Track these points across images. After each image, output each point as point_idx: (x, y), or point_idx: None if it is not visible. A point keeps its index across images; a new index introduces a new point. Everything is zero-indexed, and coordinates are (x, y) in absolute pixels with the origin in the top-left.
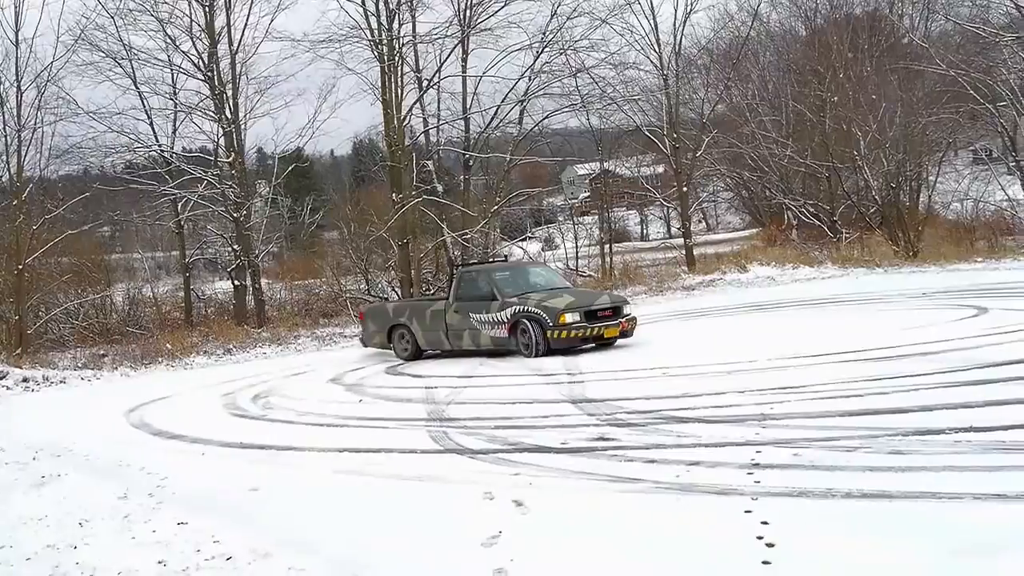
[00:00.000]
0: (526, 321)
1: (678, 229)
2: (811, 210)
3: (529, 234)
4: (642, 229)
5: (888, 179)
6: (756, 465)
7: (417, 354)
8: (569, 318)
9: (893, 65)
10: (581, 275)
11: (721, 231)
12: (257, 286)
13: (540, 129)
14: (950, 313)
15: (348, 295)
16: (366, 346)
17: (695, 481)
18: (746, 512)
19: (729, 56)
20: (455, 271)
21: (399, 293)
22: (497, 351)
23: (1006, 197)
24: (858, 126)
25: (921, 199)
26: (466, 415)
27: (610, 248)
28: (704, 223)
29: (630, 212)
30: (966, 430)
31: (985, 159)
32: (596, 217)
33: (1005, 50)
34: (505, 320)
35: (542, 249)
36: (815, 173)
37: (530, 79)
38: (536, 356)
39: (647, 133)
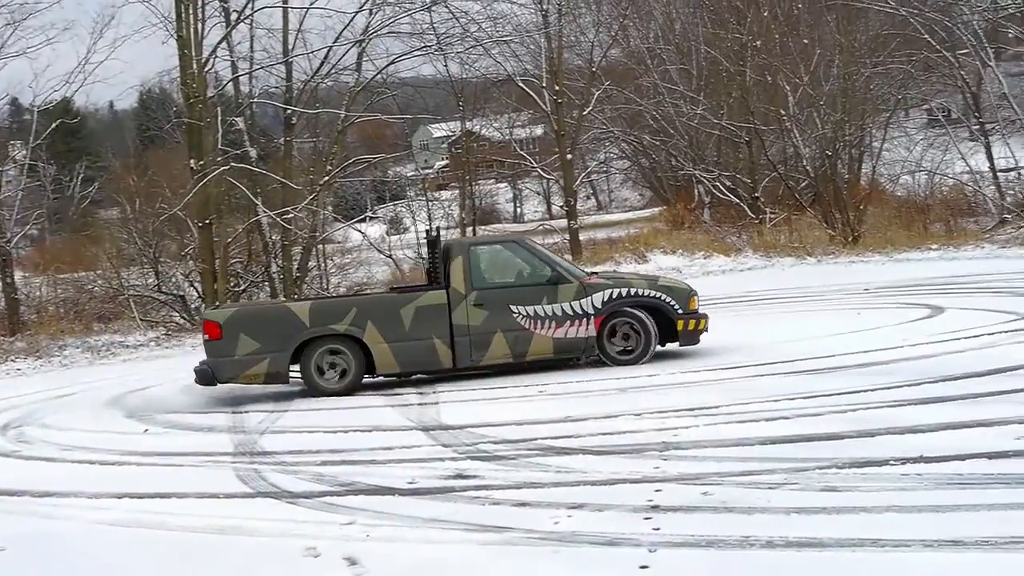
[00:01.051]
0: (638, 312)
1: (561, 207)
2: (728, 184)
3: (370, 213)
4: (515, 207)
5: (823, 145)
6: (655, 507)
7: (357, 383)
8: (696, 302)
9: (830, 2)
10: None
11: (615, 210)
12: (9, 280)
13: (384, 78)
14: (898, 314)
15: (132, 292)
16: (220, 382)
17: (578, 529)
18: (642, 568)
19: None
20: (441, 248)
21: (199, 289)
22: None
23: (967, 169)
24: (786, 78)
25: (864, 171)
26: (285, 448)
27: (474, 231)
28: (594, 200)
29: (500, 186)
30: (915, 460)
31: (942, 121)
32: (457, 192)
33: None
34: (591, 312)
35: (387, 232)
36: (733, 137)
37: (371, 13)
38: (643, 361)
39: (521, 84)
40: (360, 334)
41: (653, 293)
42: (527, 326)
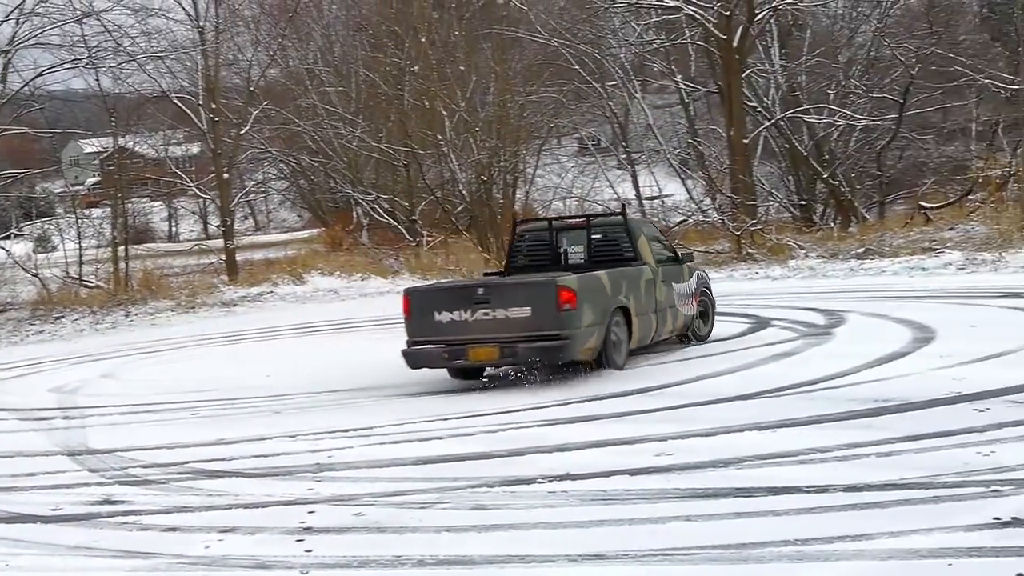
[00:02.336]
0: (710, 292)
1: (217, 227)
2: (385, 207)
3: (16, 231)
4: (171, 227)
5: (479, 170)
6: (308, 529)
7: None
8: None
9: (486, 30)
10: (86, 285)
11: (274, 231)
12: None
13: (32, 90)
14: None
15: None
16: (567, 358)
17: (229, 552)
18: None
19: (285, 7)
20: (626, 224)
21: None
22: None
23: (615, 196)
24: (444, 104)
25: (518, 195)
26: None
27: (126, 251)
28: (252, 220)
29: (155, 204)
30: (561, 478)
31: (592, 149)
32: (109, 210)
33: (615, 19)
34: (693, 291)
35: (34, 250)
36: (391, 160)
37: (18, 22)
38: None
39: (177, 102)
40: (628, 304)
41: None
42: (678, 303)
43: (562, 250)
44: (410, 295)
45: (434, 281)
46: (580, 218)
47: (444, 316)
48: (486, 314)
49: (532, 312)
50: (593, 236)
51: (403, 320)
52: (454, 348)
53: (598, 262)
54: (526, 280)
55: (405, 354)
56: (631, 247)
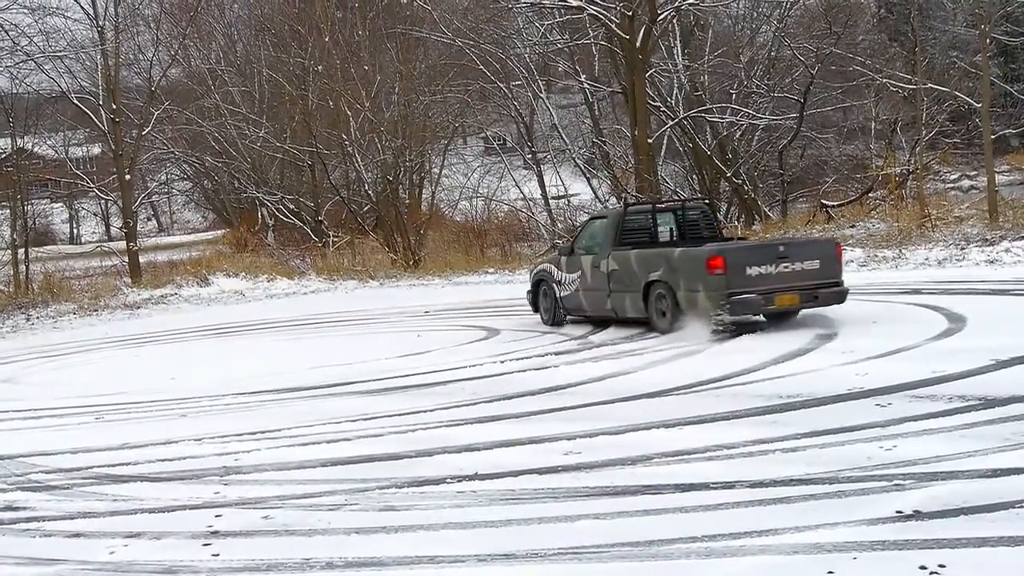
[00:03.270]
0: None
1: (120, 229)
2: (291, 207)
3: None
4: (72, 228)
5: (385, 171)
6: (215, 533)
7: None
8: None
9: (390, 30)
10: None
11: (178, 232)
12: None
13: None
14: (456, 335)
15: None
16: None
17: (134, 558)
18: None
19: (186, 7)
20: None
21: None
22: None
23: (522, 195)
24: (348, 104)
25: (424, 196)
26: None
27: (27, 253)
28: (155, 221)
29: (56, 206)
30: (470, 478)
31: (498, 149)
32: (7, 212)
33: (519, 19)
34: None
35: None
36: (296, 161)
37: None
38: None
39: (76, 102)
40: None
41: None
42: None
43: (665, 228)
44: (725, 254)
45: (737, 242)
46: (675, 202)
47: (754, 270)
48: (786, 267)
49: (820, 264)
50: (688, 215)
51: (716, 276)
52: (766, 296)
53: (689, 237)
54: (814, 239)
55: (732, 303)
56: (713, 225)
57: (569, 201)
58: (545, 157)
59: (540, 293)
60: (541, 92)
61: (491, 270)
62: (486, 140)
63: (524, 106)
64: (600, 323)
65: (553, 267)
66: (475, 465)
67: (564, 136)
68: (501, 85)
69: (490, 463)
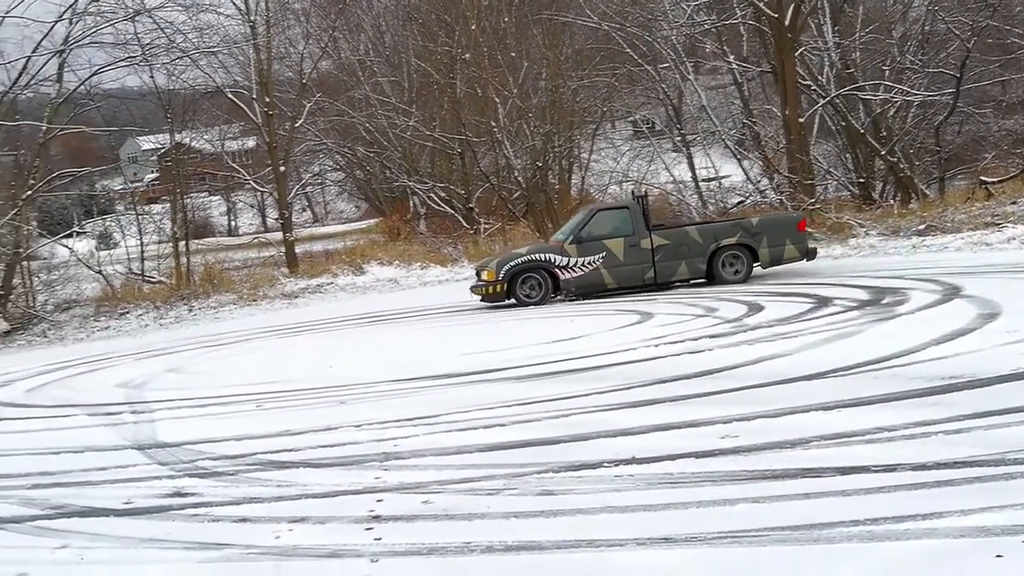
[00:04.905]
0: None
1: (276, 220)
2: (442, 195)
3: (77, 228)
4: (230, 221)
5: (534, 156)
6: (376, 518)
7: None
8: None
9: (536, 16)
10: (149, 281)
11: (332, 222)
12: None
13: (88, 89)
14: (609, 320)
15: None
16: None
17: (300, 542)
18: None
19: (335, 0)
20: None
21: None
22: None
23: (671, 178)
24: (496, 91)
25: (574, 181)
26: None
27: (187, 246)
28: (310, 212)
29: (213, 199)
30: (627, 462)
31: (646, 132)
32: (168, 206)
33: (665, 0)
34: None
35: (96, 247)
36: (446, 149)
37: (72, 22)
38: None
39: (231, 96)
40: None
41: None
42: None
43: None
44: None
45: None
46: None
47: None
48: None
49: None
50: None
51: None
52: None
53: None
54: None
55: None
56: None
57: (720, 183)
58: (694, 139)
59: (519, 282)
60: (689, 74)
61: None
62: (634, 124)
63: (672, 88)
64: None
65: (556, 256)
66: (632, 449)
67: (713, 117)
68: (648, 68)
69: (647, 447)
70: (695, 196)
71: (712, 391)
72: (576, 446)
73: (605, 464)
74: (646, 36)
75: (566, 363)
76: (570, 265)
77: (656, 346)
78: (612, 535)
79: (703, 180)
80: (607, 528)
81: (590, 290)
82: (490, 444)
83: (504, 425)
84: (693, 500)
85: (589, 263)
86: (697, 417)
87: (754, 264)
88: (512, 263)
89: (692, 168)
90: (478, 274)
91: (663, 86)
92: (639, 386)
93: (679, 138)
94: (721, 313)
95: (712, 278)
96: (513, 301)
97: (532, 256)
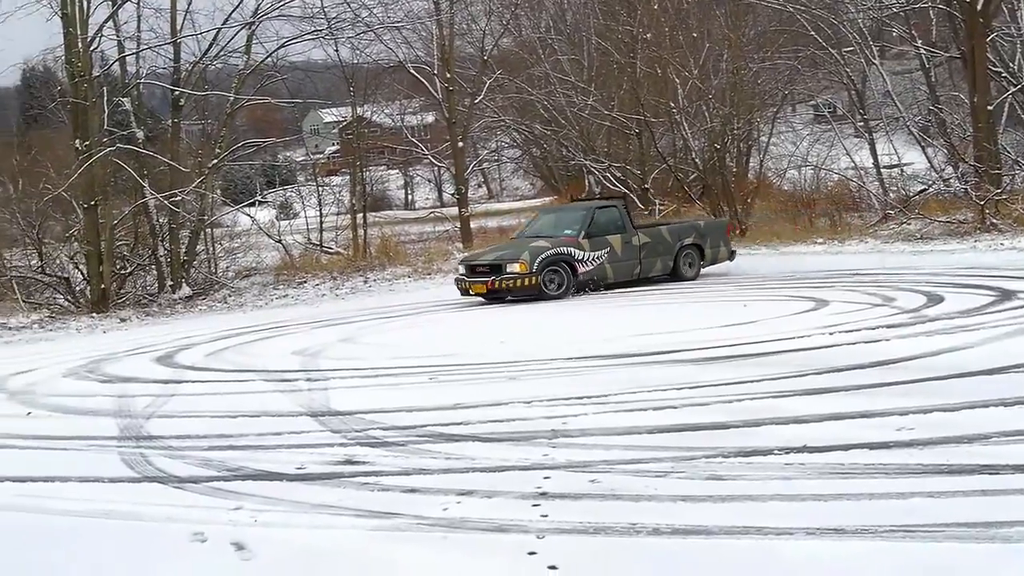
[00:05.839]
0: None
1: (452, 195)
2: (618, 175)
3: (260, 198)
4: (406, 195)
5: (712, 139)
6: (544, 494)
7: None
8: (459, 269)
9: None
10: (327, 251)
11: (507, 199)
12: None
13: (274, 61)
14: (783, 306)
15: (15, 274)
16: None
17: (467, 515)
18: (530, 554)
19: None
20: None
21: (83, 271)
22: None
23: (852, 165)
24: (676, 71)
25: (751, 164)
26: (171, 432)
27: (364, 218)
28: (485, 188)
29: (391, 172)
30: (798, 450)
31: (828, 117)
32: (347, 178)
33: None
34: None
35: (277, 217)
36: (623, 129)
37: None
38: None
39: (413, 71)
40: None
41: None
42: None
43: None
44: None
45: None
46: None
47: None
48: None
49: None
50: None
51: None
52: None
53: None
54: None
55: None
56: None
57: (902, 170)
58: (877, 125)
59: (548, 273)
60: (874, 58)
61: (819, 240)
62: (815, 108)
63: (856, 72)
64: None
65: (574, 249)
66: (803, 437)
67: (898, 103)
68: (832, 51)
69: (819, 436)
70: (875, 183)
71: (888, 382)
72: (747, 432)
73: (776, 451)
74: (831, 18)
75: (739, 348)
76: (586, 259)
77: (831, 334)
78: (781, 523)
79: (885, 167)
80: (776, 516)
81: (598, 283)
82: (659, 426)
83: (674, 407)
84: (866, 492)
85: (598, 257)
86: (872, 408)
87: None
88: (543, 255)
89: (874, 154)
90: (473, 268)
91: (847, 70)
92: (812, 374)
93: (861, 123)
94: (899, 303)
95: (675, 275)
96: (507, 297)
97: (559, 249)
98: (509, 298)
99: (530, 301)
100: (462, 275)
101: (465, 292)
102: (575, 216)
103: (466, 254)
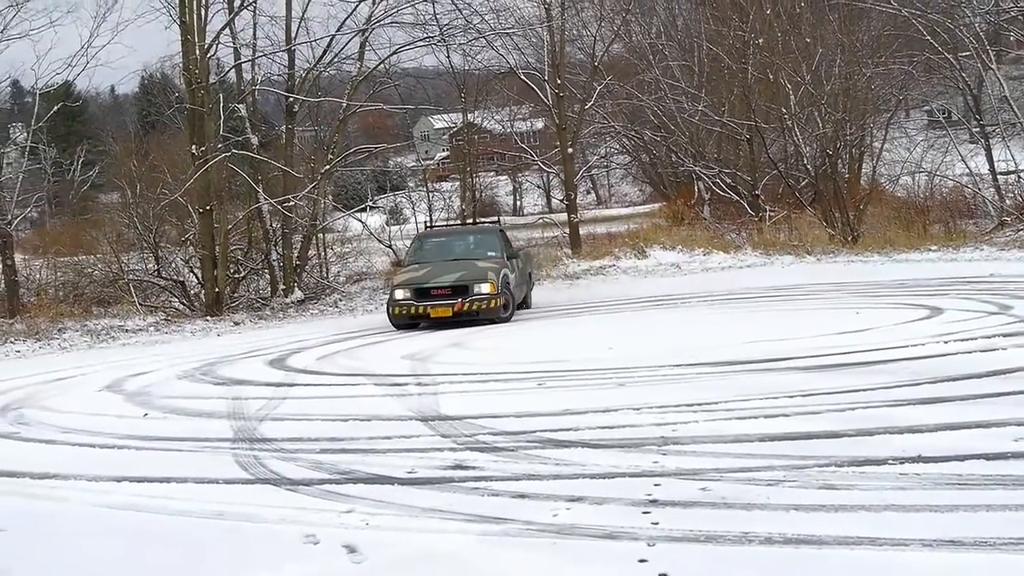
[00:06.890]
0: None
1: (561, 201)
2: (728, 181)
3: (371, 203)
4: (515, 200)
5: (824, 144)
6: (654, 502)
7: None
8: (399, 295)
9: (832, 1)
10: None
11: (615, 205)
12: (9, 263)
13: (387, 68)
14: (897, 314)
15: (131, 277)
16: None
17: (577, 521)
18: (640, 561)
19: None
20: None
21: (198, 274)
22: None
23: (967, 171)
24: (788, 77)
25: (864, 170)
26: (284, 435)
27: (474, 223)
28: (594, 194)
29: (500, 178)
30: (913, 460)
31: (943, 122)
32: (457, 184)
33: None
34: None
35: (387, 223)
36: (733, 135)
37: (374, 2)
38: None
39: (523, 78)
40: None
41: None
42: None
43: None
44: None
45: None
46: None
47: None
48: None
49: None
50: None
51: None
52: None
53: None
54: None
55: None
56: None
57: (1020, 177)
58: (993, 131)
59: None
60: (991, 63)
61: (934, 248)
62: (930, 113)
63: (972, 77)
64: None
65: (506, 271)
66: (918, 447)
67: (1015, 108)
68: (948, 56)
69: (934, 446)
70: (991, 189)
71: (1005, 391)
72: (860, 441)
73: (890, 461)
74: (947, 23)
75: (851, 356)
76: (513, 281)
77: (946, 343)
78: (896, 534)
79: (1001, 173)
80: (891, 527)
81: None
82: (771, 434)
83: (786, 415)
84: (983, 503)
85: (516, 280)
86: (988, 418)
87: None
88: (501, 276)
89: (990, 160)
90: (425, 291)
91: (962, 75)
92: (927, 383)
93: (977, 129)
94: (1016, 311)
95: (524, 303)
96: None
97: (503, 271)
98: (464, 320)
99: (497, 324)
100: (407, 299)
101: (414, 317)
102: (485, 239)
103: (399, 278)
